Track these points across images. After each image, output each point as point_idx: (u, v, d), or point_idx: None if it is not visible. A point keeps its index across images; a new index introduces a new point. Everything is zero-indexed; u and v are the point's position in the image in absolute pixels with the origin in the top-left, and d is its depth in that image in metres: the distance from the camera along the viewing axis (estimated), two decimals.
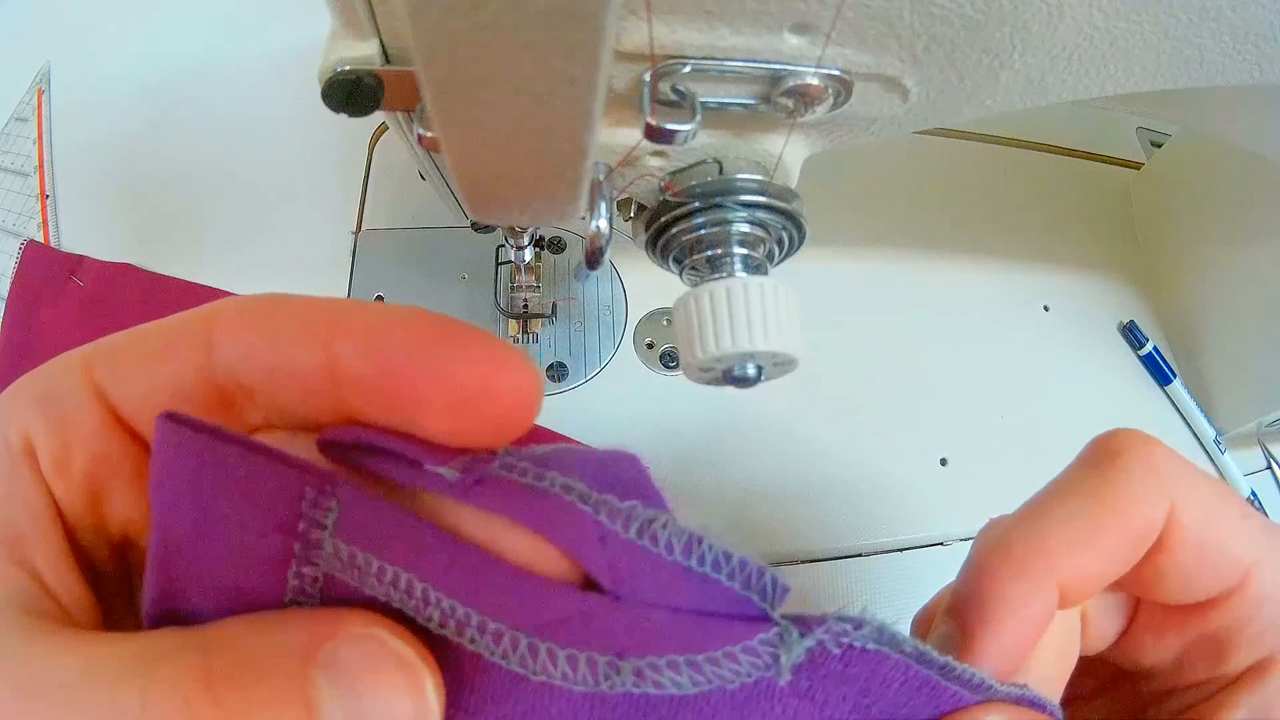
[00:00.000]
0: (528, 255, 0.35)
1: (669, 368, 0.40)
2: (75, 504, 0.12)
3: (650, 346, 0.41)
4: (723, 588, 0.12)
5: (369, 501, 0.11)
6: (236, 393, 0.13)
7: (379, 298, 0.40)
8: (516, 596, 0.11)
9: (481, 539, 0.11)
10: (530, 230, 0.34)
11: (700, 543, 0.12)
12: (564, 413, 0.38)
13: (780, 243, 0.25)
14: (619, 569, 0.11)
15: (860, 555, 0.38)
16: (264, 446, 0.11)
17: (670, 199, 0.24)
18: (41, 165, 0.44)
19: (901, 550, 0.38)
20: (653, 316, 0.41)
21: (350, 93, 0.19)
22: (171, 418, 0.11)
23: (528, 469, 0.12)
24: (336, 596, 0.11)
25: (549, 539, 0.11)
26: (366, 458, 0.12)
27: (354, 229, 0.42)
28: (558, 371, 0.39)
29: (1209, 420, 0.44)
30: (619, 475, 0.12)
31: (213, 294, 0.39)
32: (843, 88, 0.20)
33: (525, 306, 0.39)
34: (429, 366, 0.11)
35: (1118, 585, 0.17)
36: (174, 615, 0.11)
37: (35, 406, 0.12)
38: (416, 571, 0.11)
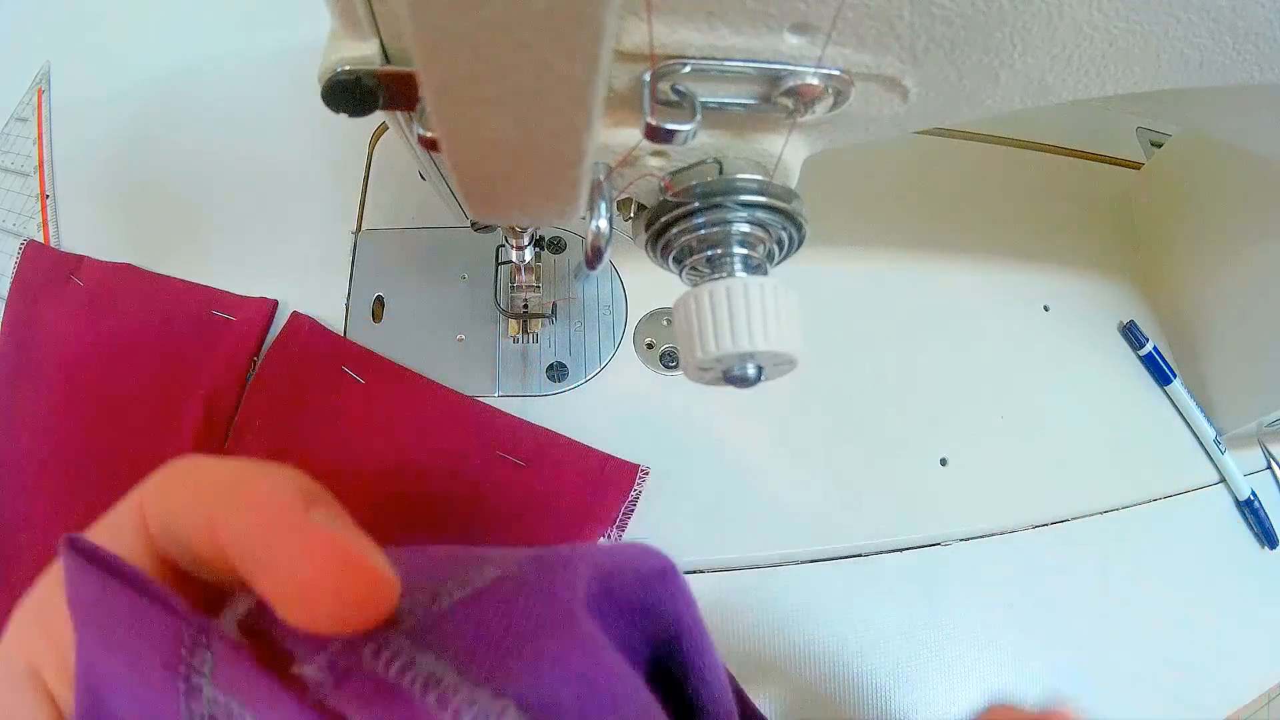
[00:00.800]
0: (528, 255, 0.35)
1: (669, 368, 0.40)
2: None
3: (650, 346, 0.41)
4: None
5: (239, 659, 0.12)
6: (181, 563, 0.14)
7: (379, 298, 0.40)
8: None
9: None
10: (530, 230, 0.34)
11: None
12: (564, 413, 0.38)
13: (780, 243, 0.25)
14: None
15: (860, 555, 0.38)
16: (150, 585, 0.12)
17: (670, 199, 0.24)
18: (41, 165, 0.44)
19: (901, 550, 0.38)
20: (653, 316, 0.42)
21: (350, 93, 0.19)
22: (71, 544, 0.12)
23: (400, 649, 0.11)
24: None
25: None
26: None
27: (354, 229, 0.42)
28: (558, 371, 0.39)
29: (1209, 420, 0.44)
30: (530, 622, 0.12)
31: (212, 294, 0.39)
32: (843, 88, 0.20)
33: (525, 306, 0.39)
34: (267, 562, 0.12)
35: None
36: (99, 703, 0.12)
37: (33, 626, 0.14)
38: None
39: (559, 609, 0.13)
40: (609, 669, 0.12)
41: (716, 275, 0.23)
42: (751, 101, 0.21)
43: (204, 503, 0.13)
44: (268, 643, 0.12)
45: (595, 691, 0.12)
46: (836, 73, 0.20)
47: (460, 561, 0.14)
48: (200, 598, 0.14)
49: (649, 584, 0.15)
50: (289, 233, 0.42)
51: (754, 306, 0.22)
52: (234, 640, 0.12)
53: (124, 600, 0.12)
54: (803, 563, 0.37)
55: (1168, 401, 0.45)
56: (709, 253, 0.24)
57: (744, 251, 0.24)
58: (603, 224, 0.22)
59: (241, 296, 0.39)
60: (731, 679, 0.17)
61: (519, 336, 0.40)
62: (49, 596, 0.14)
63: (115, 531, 0.14)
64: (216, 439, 0.36)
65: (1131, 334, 0.46)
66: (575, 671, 0.12)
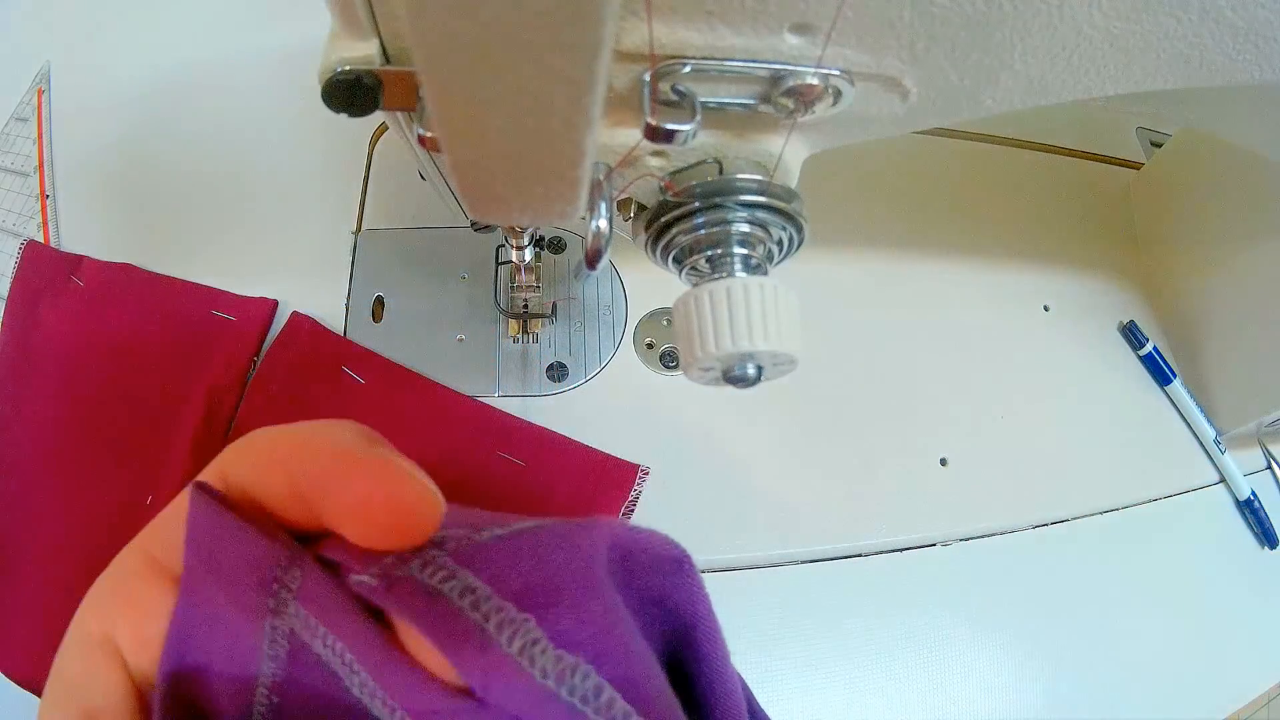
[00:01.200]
0: (528, 255, 0.35)
1: (669, 368, 0.40)
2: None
3: (650, 346, 0.41)
4: None
5: (324, 579, 0.14)
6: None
7: (379, 298, 0.40)
8: (408, 685, 0.13)
9: (397, 628, 0.13)
10: (530, 230, 0.34)
11: (574, 672, 0.12)
12: (564, 413, 0.38)
13: (780, 243, 0.25)
14: (491, 679, 0.12)
15: (860, 555, 0.38)
16: (257, 518, 0.14)
17: (670, 199, 0.24)
18: (41, 165, 0.44)
19: (901, 550, 0.38)
20: (653, 316, 0.42)
21: (350, 93, 0.19)
22: (197, 486, 0.15)
23: (444, 564, 0.13)
24: (299, 649, 0.14)
25: (434, 644, 0.13)
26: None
27: (354, 229, 0.42)
28: (558, 371, 0.39)
29: (1209, 420, 0.44)
30: (557, 565, 0.13)
31: (212, 294, 0.39)
32: (843, 88, 0.20)
33: (525, 306, 0.39)
34: (334, 488, 0.14)
35: None
36: (186, 641, 0.14)
37: (110, 598, 0.15)
38: (347, 643, 0.13)
39: (583, 561, 0.14)
40: (623, 626, 0.14)
41: (716, 275, 0.23)
42: (751, 101, 0.21)
43: (278, 456, 0.15)
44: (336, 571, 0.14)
45: (609, 640, 0.13)
46: (836, 73, 0.20)
47: (502, 515, 0.16)
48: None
49: (665, 571, 0.16)
50: (289, 233, 0.42)
51: (754, 306, 0.22)
52: (320, 564, 0.14)
53: (234, 529, 0.14)
54: (803, 563, 0.37)
55: (1168, 401, 0.45)
56: (709, 253, 0.24)
57: (744, 251, 0.24)
58: (603, 224, 0.22)
59: (241, 296, 0.39)
60: (740, 678, 0.18)
61: (519, 336, 0.40)
62: (125, 570, 0.15)
63: None
64: (216, 439, 0.36)
65: (1131, 334, 0.46)
66: (594, 617, 0.13)
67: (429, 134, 0.19)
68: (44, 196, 0.43)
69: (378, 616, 0.14)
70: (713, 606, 0.17)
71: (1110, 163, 0.53)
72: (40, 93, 0.47)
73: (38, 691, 0.32)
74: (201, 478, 0.15)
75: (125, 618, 0.14)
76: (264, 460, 0.15)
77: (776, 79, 0.20)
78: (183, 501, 0.15)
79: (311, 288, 0.40)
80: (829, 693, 0.35)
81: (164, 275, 0.40)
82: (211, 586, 0.14)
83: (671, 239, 0.25)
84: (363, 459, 0.14)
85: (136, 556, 0.15)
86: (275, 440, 0.15)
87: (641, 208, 0.26)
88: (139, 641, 0.14)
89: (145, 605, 0.14)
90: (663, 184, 0.24)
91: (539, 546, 0.14)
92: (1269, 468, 0.45)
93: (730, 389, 0.23)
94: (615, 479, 0.36)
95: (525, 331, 0.40)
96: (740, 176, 0.23)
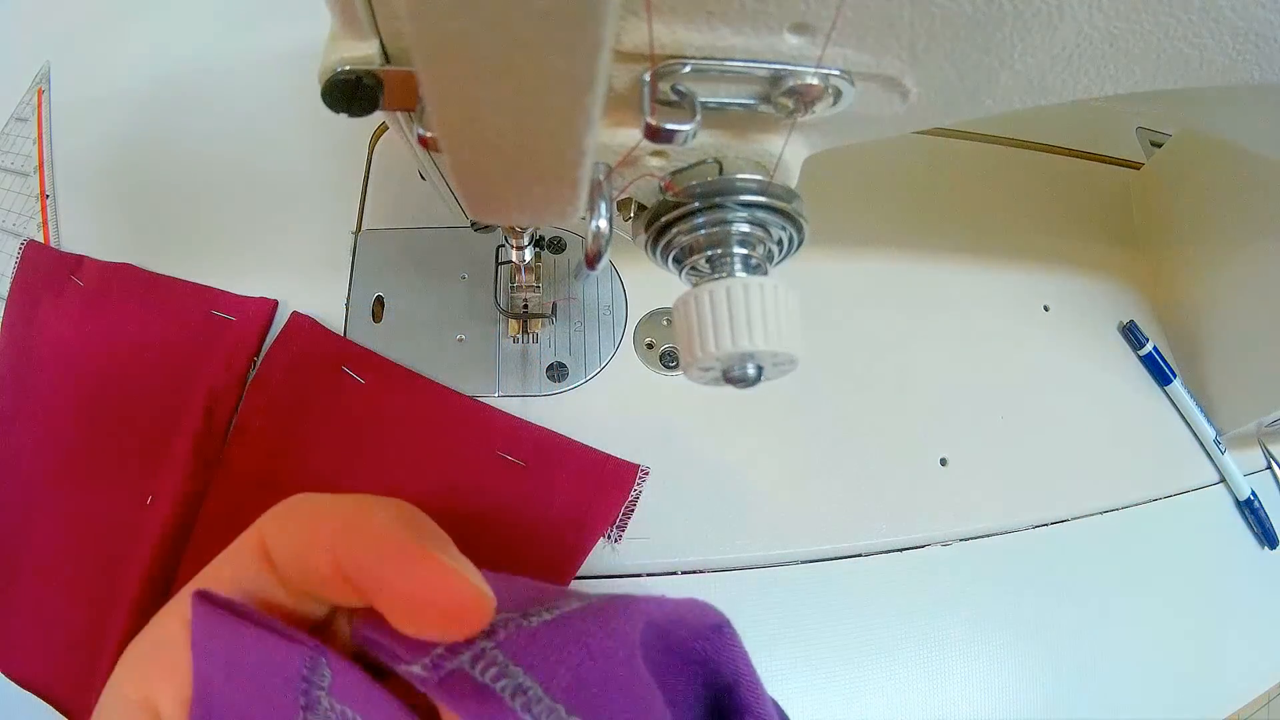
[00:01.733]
0: (528, 255, 0.35)
1: (669, 368, 0.40)
2: None
3: (650, 346, 0.41)
4: None
5: (355, 672, 0.14)
6: (304, 596, 0.16)
7: (379, 298, 0.40)
8: None
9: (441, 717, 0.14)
10: (530, 230, 0.34)
11: None
12: (564, 413, 0.38)
13: (780, 243, 0.25)
14: None
15: (860, 555, 0.38)
16: (271, 622, 0.14)
17: (670, 199, 0.24)
18: (41, 165, 0.44)
19: (901, 550, 0.38)
20: (653, 316, 0.42)
21: (350, 93, 0.19)
22: (200, 596, 0.14)
23: (495, 659, 0.14)
24: None
25: None
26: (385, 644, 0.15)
27: (354, 229, 0.42)
28: (558, 371, 0.39)
29: (1209, 420, 0.44)
30: (604, 655, 0.14)
31: (212, 294, 0.39)
32: (843, 87, 0.20)
33: (525, 306, 0.39)
34: (386, 583, 0.14)
35: None
36: None
37: (148, 663, 0.15)
38: None
39: (627, 649, 0.14)
40: (659, 708, 0.14)
41: (716, 275, 0.23)
42: (751, 101, 0.21)
43: (324, 537, 0.15)
44: (369, 657, 0.15)
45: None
46: (836, 73, 0.20)
47: (545, 590, 0.16)
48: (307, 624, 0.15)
49: (705, 637, 0.17)
50: (289, 233, 0.42)
51: (754, 306, 0.22)
52: (347, 656, 0.14)
53: (250, 635, 0.14)
54: (803, 563, 0.37)
55: (1168, 401, 0.45)
56: (709, 253, 0.24)
57: (744, 251, 0.24)
58: (603, 224, 0.22)
59: (241, 296, 0.39)
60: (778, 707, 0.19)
61: (519, 336, 0.40)
62: (164, 635, 0.15)
63: (239, 561, 0.16)
64: (216, 439, 0.36)
65: (1131, 334, 0.46)
66: (633, 701, 0.14)
67: (429, 134, 0.19)
68: (44, 196, 0.43)
69: (404, 686, 0.14)
70: (752, 662, 0.18)
71: (1110, 163, 0.53)
72: (40, 93, 0.47)
73: (38, 691, 0.32)
74: (240, 545, 0.15)
75: (165, 683, 0.15)
76: (308, 541, 0.15)
77: (776, 79, 0.20)
78: (224, 567, 0.16)
79: (311, 288, 0.40)
80: (829, 693, 0.35)
81: (164, 275, 0.40)
82: (232, 687, 0.14)
83: (671, 239, 0.25)
84: (412, 555, 0.14)
85: (174, 621, 0.15)
86: (319, 518, 0.15)
87: (641, 208, 0.26)
88: (180, 707, 0.14)
89: (185, 671, 0.14)
90: (663, 184, 0.24)
91: (586, 635, 0.14)
92: (1269, 468, 0.45)
93: (730, 389, 0.23)
94: (615, 479, 0.36)
95: (525, 331, 0.40)
96: (740, 176, 0.23)
